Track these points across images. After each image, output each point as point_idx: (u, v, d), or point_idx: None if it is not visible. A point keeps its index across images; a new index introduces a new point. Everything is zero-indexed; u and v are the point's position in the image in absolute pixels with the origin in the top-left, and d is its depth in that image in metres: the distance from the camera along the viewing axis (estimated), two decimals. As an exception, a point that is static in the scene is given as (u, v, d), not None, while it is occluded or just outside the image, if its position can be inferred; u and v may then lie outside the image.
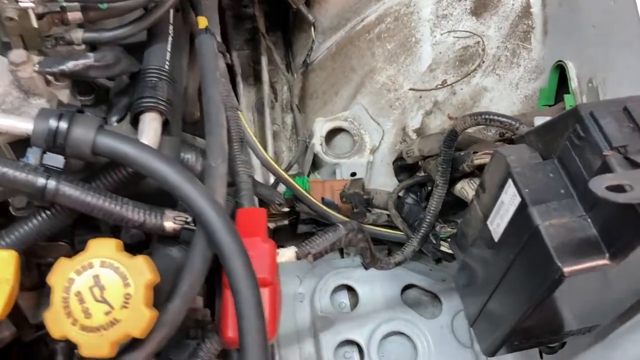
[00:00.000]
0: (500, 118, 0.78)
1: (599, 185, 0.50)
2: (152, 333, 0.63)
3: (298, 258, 0.79)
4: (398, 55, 1.11)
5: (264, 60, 1.29)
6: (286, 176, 0.90)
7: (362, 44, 1.16)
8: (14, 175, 0.66)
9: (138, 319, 0.62)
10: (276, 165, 0.89)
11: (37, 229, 0.70)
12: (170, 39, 0.88)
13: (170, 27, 0.89)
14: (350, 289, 1.16)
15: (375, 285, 1.13)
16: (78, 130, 0.68)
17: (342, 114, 1.16)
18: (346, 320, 1.11)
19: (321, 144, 1.13)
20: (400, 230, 0.94)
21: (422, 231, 0.91)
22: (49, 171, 0.68)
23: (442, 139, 0.84)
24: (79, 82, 0.81)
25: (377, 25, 1.14)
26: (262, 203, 0.95)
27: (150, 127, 0.79)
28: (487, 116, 0.79)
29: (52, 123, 0.67)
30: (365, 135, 1.14)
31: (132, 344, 0.65)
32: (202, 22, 0.90)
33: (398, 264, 0.92)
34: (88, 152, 0.68)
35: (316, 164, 1.15)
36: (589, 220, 0.61)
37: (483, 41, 1.05)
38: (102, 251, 0.65)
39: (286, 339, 1.12)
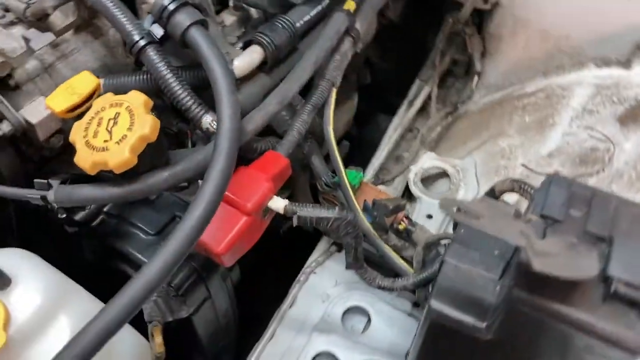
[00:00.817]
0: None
1: (448, 204, 0.47)
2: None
3: (285, 212, 0.83)
4: (529, 130, 1.07)
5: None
6: (340, 165, 0.94)
7: (508, 108, 1.13)
8: (123, 25, 0.85)
9: (119, 155, 0.75)
10: (337, 152, 0.94)
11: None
12: (319, 8, 1.01)
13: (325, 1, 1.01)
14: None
15: (392, 327, 1.09)
16: (179, 15, 0.84)
17: (453, 160, 1.15)
18: (343, 338, 1.09)
19: (416, 173, 1.14)
20: (409, 263, 0.91)
21: (426, 277, 0.87)
22: (149, 36, 0.86)
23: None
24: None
25: (530, 96, 1.11)
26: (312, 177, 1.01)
27: (246, 55, 0.92)
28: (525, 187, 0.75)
29: (165, 2, 0.84)
30: (462, 188, 1.11)
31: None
32: (349, 4, 1.00)
33: (381, 287, 0.90)
34: (178, 35, 0.84)
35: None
36: (496, 285, 0.55)
37: (614, 151, 0.95)
38: (135, 100, 0.79)
39: (290, 322, 1.15)
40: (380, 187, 1.24)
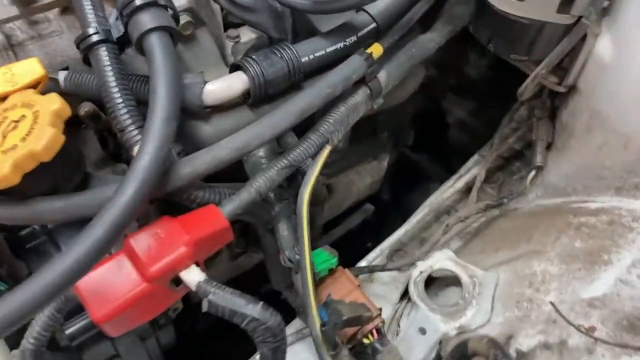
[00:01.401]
0: None
1: None
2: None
3: (197, 291, 0.65)
4: (575, 259, 0.80)
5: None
6: (306, 241, 0.73)
7: (559, 223, 0.87)
8: (84, 13, 0.70)
9: (40, 135, 0.61)
10: (305, 223, 0.73)
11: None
12: (339, 45, 0.81)
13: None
14: None
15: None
16: (143, 16, 0.68)
17: (473, 269, 0.90)
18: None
19: (422, 271, 0.91)
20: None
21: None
22: (107, 33, 0.70)
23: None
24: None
25: (590, 215, 0.84)
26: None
27: (225, 81, 0.75)
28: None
29: (132, -1, 0.68)
30: (472, 307, 0.86)
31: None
32: (375, 48, 0.80)
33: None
34: (135, 37, 0.68)
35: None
36: None
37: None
38: (46, 105, 0.65)
39: None
40: (380, 275, 1.02)
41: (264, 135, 0.70)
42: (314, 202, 1.00)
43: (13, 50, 0.83)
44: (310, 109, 0.73)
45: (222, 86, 0.74)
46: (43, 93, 0.84)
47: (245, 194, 0.71)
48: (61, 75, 0.80)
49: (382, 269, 0.98)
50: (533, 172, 0.97)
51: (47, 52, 0.85)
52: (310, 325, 0.73)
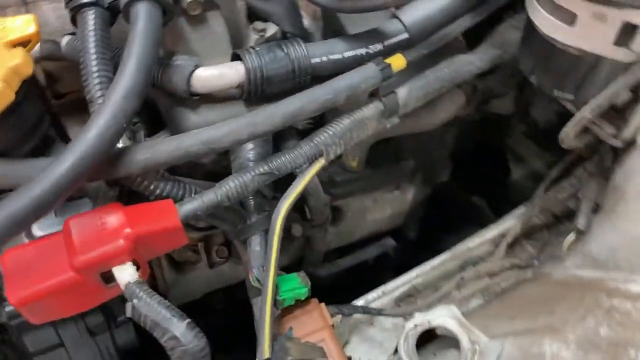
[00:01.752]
0: None
1: None
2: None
3: (124, 291, 0.57)
4: (595, 349, 0.65)
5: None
6: (272, 263, 0.64)
7: (588, 300, 0.72)
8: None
9: None
10: (276, 244, 0.64)
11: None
12: (361, 52, 0.72)
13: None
14: None
15: None
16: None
17: (477, 333, 0.76)
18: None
19: (416, 325, 0.78)
20: None
21: None
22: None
23: None
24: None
25: (626, 299, 0.69)
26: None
27: (218, 69, 0.68)
28: None
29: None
30: (465, 378, 0.73)
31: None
32: (397, 60, 0.70)
33: None
34: (122, 5, 0.62)
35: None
36: None
37: None
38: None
39: None
40: (383, 320, 0.90)
41: (240, 134, 0.62)
42: (316, 223, 0.91)
43: (26, 8, 0.80)
44: (301, 114, 0.64)
45: (213, 74, 0.67)
46: (45, 56, 0.80)
47: (210, 196, 0.63)
48: (64, 40, 0.75)
49: (379, 312, 0.86)
50: (572, 236, 0.83)
51: (59, 15, 0.81)
52: (257, 357, 0.63)
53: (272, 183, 0.68)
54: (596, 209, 0.82)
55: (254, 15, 0.82)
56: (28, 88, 0.61)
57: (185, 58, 0.67)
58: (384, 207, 1.01)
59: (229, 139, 0.61)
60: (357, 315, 0.91)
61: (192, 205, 0.62)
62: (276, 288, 0.66)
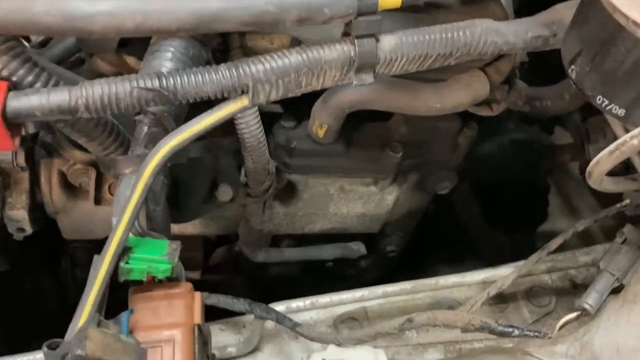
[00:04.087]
0: None
1: None
2: None
3: None
4: None
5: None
6: (130, 209, 0.45)
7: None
8: None
9: None
10: (139, 194, 0.45)
11: None
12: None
13: None
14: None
15: None
16: None
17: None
18: None
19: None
20: None
21: None
22: None
23: None
24: None
25: None
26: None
27: None
28: None
29: None
30: None
31: None
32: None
33: None
34: None
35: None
36: None
37: None
38: None
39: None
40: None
41: (122, 19, 0.42)
42: (253, 192, 0.71)
43: None
44: (222, 19, 0.44)
45: None
46: None
47: (62, 96, 0.44)
48: None
49: (293, 327, 0.66)
50: (572, 315, 0.60)
51: None
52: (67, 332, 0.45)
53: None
54: (618, 289, 0.59)
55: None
56: None
57: None
58: (353, 202, 0.79)
59: (102, 20, 0.42)
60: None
61: (30, 99, 0.43)
62: (126, 251, 0.47)
